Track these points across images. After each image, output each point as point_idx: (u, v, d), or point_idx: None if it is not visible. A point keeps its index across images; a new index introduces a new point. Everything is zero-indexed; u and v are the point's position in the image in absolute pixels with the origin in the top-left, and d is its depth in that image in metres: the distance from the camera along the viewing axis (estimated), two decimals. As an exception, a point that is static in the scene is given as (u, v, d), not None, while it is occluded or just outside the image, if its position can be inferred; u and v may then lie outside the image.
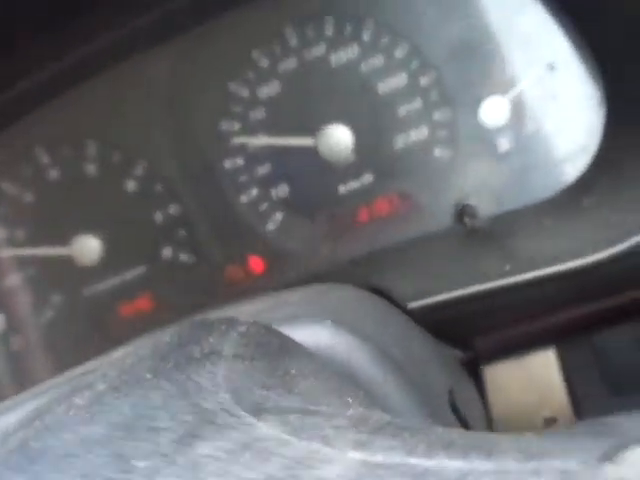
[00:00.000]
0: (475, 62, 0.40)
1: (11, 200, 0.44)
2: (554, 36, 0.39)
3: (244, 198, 0.43)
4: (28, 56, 0.40)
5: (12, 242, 0.45)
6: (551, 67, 0.39)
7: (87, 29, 0.40)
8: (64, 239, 0.44)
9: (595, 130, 0.39)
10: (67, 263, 0.44)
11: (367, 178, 0.42)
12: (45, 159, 0.43)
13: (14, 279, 0.45)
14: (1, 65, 0.39)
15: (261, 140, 0.42)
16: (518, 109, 0.40)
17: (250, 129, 0.42)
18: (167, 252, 0.44)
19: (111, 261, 0.44)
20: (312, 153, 0.42)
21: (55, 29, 0.39)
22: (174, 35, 0.42)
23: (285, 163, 0.43)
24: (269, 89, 0.42)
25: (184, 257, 0.44)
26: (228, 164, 0.43)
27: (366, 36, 0.40)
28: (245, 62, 0.42)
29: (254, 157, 0.43)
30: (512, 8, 0.39)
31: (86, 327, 0.45)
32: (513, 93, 0.40)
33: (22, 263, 0.45)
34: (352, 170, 0.42)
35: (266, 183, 0.43)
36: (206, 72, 0.42)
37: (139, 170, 0.43)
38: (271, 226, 0.43)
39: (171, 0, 0.40)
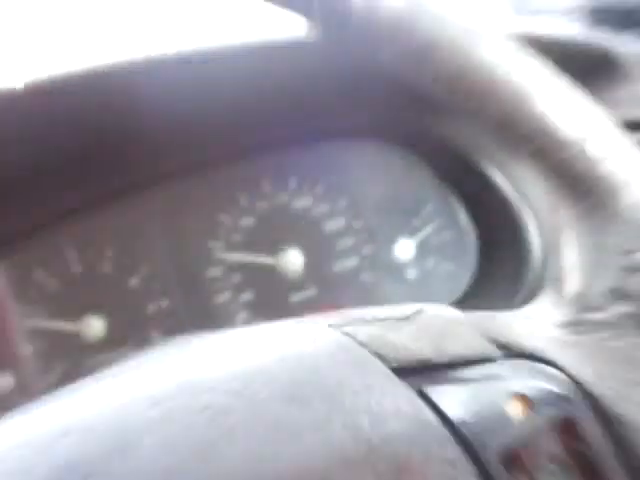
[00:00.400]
0: (393, 214, 0.57)
1: (38, 284, 0.57)
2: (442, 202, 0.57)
3: (219, 299, 0.58)
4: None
5: (32, 315, 0.57)
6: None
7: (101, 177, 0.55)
8: (76, 317, 0.57)
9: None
10: (75, 337, 0.57)
11: (312, 291, 0.57)
12: (73, 257, 0.57)
13: (28, 347, 0.57)
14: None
15: (236, 257, 0.58)
16: (422, 248, 0.57)
17: (229, 248, 0.58)
18: (156, 335, 0.57)
19: (112, 338, 0.57)
20: (272, 269, 0.57)
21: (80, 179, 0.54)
22: (169, 183, 0.58)
23: (252, 275, 0.58)
24: (247, 220, 0.58)
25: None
26: (210, 273, 0.58)
27: (319, 190, 0.57)
28: (230, 200, 0.58)
29: (229, 268, 0.58)
30: (418, 183, 0.57)
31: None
32: (419, 237, 0.57)
33: (37, 333, 0.57)
34: (301, 284, 0.57)
35: (236, 289, 0.58)
36: (199, 206, 0.58)
37: (142, 271, 0.57)
38: (237, 322, 0.58)
39: (164, 162, 0.56)
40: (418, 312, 0.22)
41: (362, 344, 0.20)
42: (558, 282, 0.24)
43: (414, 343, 0.21)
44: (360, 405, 0.18)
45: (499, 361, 0.21)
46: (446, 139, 0.54)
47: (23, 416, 0.19)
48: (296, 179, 0.58)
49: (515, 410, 0.19)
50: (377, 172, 0.58)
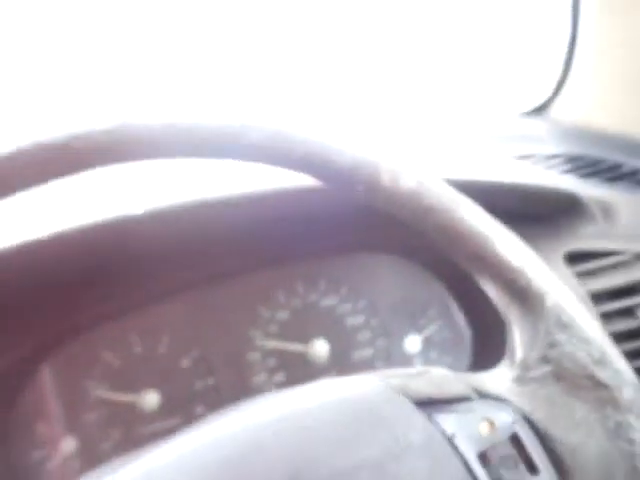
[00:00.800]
0: (404, 313, 0.70)
1: (105, 362, 0.68)
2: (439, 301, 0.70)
3: (256, 379, 0.69)
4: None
5: (97, 387, 0.68)
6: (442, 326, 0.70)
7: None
8: (134, 390, 0.67)
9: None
10: (132, 408, 0.67)
11: (334, 375, 0.69)
12: (135, 341, 0.68)
13: (91, 415, 0.67)
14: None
15: (272, 344, 0.69)
16: (427, 343, 0.69)
17: (266, 336, 0.69)
18: (200, 410, 0.68)
19: (164, 411, 0.67)
20: (302, 355, 0.69)
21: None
22: (219, 282, 0.70)
23: (285, 360, 0.69)
24: (282, 314, 0.70)
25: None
26: (249, 357, 0.69)
27: (343, 292, 0.70)
28: (269, 297, 0.70)
29: (266, 354, 0.69)
30: (424, 288, 0.70)
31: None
32: (424, 334, 0.70)
33: (100, 402, 0.67)
34: (326, 369, 0.69)
35: (271, 371, 0.69)
36: (242, 301, 0.70)
37: (192, 354, 0.69)
38: (269, 399, 0.68)
39: (214, 265, 0.68)
40: (427, 371, 0.37)
41: (394, 387, 0.34)
42: (511, 353, 0.37)
43: (425, 388, 0.35)
44: (394, 420, 0.32)
45: (475, 400, 0.35)
46: (446, 255, 0.67)
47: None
48: (324, 282, 0.70)
49: (484, 429, 0.33)
50: (390, 278, 0.70)
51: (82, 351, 0.67)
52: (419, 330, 0.70)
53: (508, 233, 0.35)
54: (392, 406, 0.34)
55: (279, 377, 0.69)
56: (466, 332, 0.70)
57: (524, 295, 0.35)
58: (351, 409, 0.34)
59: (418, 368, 0.38)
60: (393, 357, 0.69)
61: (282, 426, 0.34)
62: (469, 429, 0.33)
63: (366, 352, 0.69)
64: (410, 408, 0.33)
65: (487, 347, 0.70)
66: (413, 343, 0.69)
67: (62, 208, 0.60)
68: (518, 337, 0.38)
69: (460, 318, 0.70)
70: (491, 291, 0.38)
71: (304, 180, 0.36)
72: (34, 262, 0.61)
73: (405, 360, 0.69)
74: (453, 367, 0.68)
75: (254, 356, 0.69)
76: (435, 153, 0.77)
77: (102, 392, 0.67)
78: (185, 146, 0.32)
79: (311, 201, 0.61)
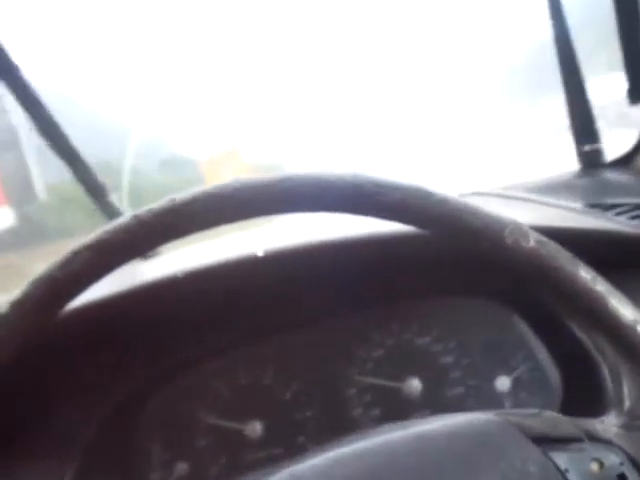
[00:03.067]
0: (494, 354, 0.73)
1: (214, 391, 0.74)
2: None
3: (353, 413, 0.73)
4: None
5: (206, 415, 0.74)
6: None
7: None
8: (241, 419, 0.73)
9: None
10: (239, 436, 0.73)
11: (427, 412, 0.72)
12: (244, 374, 0.74)
13: (202, 441, 0.73)
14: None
15: (368, 380, 0.74)
16: (516, 384, 0.73)
17: (363, 373, 0.74)
18: (301, 440, 0.73)
19: (267, 440, 0.73)
20: (397, 392, 0.73)
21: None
22: (319, 323, 0.75)
23: (380, 395, 0.74)
24: (378, 352, 0.74)
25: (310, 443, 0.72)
26: (347, 392, 0.74)
27: (435, 333, 0.74)
28: (365, 336, 0.75)
29: (362, 389, 0.74)
30: (514, 331, 0.73)
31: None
32: (514, 375, 0.73)
33: (210, 429, 0.73)
34: (419, 405, 0.73)
35: (367, 406, 0.73)
36: (341, 340, 0.75)
37: (294, 387, 0.74)
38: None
39: (314, 309, 0.74)
40: (541, 412, 0.42)
41: (512, 424, 0.40)
42: (619, 402, 0.42)
43: (539, 426, 0.40)
44: (513, 453, 0.37)
45: (586, 442, 0.39)
46: (538, 301, 0.71)
47: None
48: (417, 323, 0.75)
49: (594, 467, 0.37)
50: (480, 320, 0.74)
51: (194, 381, 0.73)
52: (509, 371, 0.73)
53: (618, 291, 0.39)
54: (511, 440, 0.38)
55: (374, 412, 0.73)
56: (554, 374, 0.72)
57: (634, 350, 0.38)
58: (475, 440, 0.39)
59: (533, 409, 0.43)
60: (484, 396, 0.72)
61: (415, 451, 0.39)
62: (581, 466, 0.37)
63: (457, 390, 0.73)
64: (527, 443, 0.38)
65: (574, 389, 0.72)
66: (503, 383, 0.72)
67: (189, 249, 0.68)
68: (626, 388, 0.44)
69: (548, 361, 0.72)
70: (601, 344, 0.42)
71: (398, 227, 0.41)
72: (158, 301, 0.68)
73: (496, 399, 0.72)
74: (543, 408, 0.71)
75: (351, 391, 0.74)
76: (526, 206, 0.81)
77: (211, 420, 0.73)
78: (337, 201, 0.38)
79: (406, 246, 0.66)
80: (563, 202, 0.82)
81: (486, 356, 0.73)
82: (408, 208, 0.37)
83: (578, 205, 0.80)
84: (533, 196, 0.89)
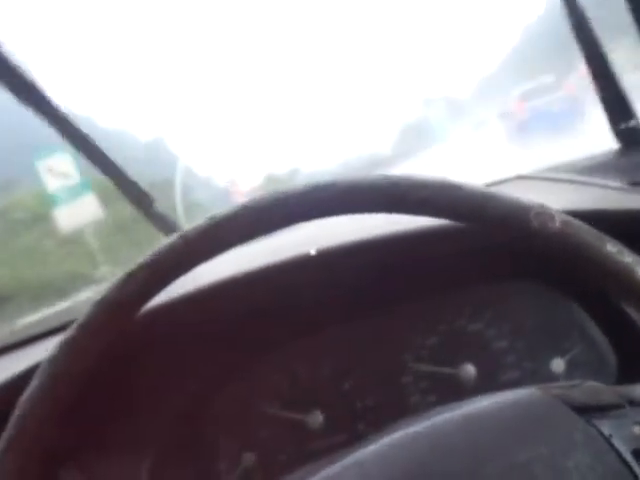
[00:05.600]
0: (547, 337, 0.75)
1: (277, 386, 0.77)
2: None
3: (410, 400, 0.76)
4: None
5: (269, 406, 0.77)
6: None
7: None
8: (305, 411, 0.76)
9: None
10: (302, 426, 0.75)
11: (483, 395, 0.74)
12: (304, 366, 0.77)
13: (266, 431, 0.76)
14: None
15: (423, 367, 0.76)
16: (570, 365, 0.74)
17: (418, 360, 0.76)
18: (361, 427, 0.75)
19: (328, 428, 0.75)
20: (451, 378, 0.75)
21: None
22: (379, 314, 0.78)
23: (435, 382, 0.76)
24: (432, 340, 0.76)
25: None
26: (403, 379, 0.76)
27: (488, 317, 0.76)
28: (420, 324, 0.77)
29: (418, 376, 0.76)
30: (567, 313, 0.74)
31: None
32: (568, 356, 0.74)
33: (273, 420, 0.76)
34: (474, 390, 0.74)
35: (423, 392, 0.76)
36: (398, 328, 0.77)
37: (353, 377, 0.76)
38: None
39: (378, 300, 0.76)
40: (582, 382, 0.44)
41: (555, 396, 0.42)
42: None
43: (581, 397, 0.42)
44: (558, 423, 0.39)
45: (627, 407, 0.40)
46: (587, 280, 0.72)
47: None
48: (470, 309, 0.76)
49: (637, 430, 0.38)
50: (533, 304, 0.75)
51: (257, 376, 0.76)
52: (563, 353, 0.74)
53: None
54: (555, 412, 0.40)
55: (431, 398, 0.75)
56: (609, 354, 0.73)
57: None
58: (521, 414, 0.41)
59: (574, 381, 0.44)
60: (539, 379, 0.74)
61: (466, 428, 0.41)
62: (623, 431, 0.38)
63: (513, 374, 0.74)
64: (570, 413, 0.40)
65: (631, 367, 0.73)
66: (558, 365, 0.74)
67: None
68: None
69: (603, 340, 0.73)
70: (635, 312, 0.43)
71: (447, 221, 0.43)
72: (220, 302, 0.71)
73: (552, 381, 0.73)
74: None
75: (407, 379, 0.76)
76: (569, 187, 0.82)
77: (275, 411, 0.76)
78: (374, 202, 0.40)
79: (457, 237, 0.68)
80: (605, 181, 0.82)
81: (539, 339, 0.75)
82: (437, 202, 0.40)
83: (620, 184, 0.80)
84: (575, 177, 0.90)
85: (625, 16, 0.88)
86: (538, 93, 13.30)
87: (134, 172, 0.90)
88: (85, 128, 0.86)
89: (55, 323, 0.80)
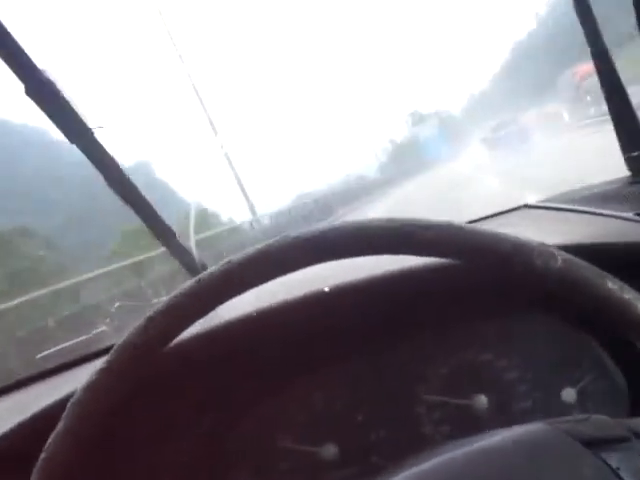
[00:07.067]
0: (558, 367, 0.75)
1: (290, 415, 0.78)
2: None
3: (423, 430, 0.76)
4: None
5: (282, 439, 0.77)
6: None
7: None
8: (319, 443, 0.77)
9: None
10: (314, 457, 0.76)
11: (495, 425, 0.75)
12: (319, 399, 0.78)
13: (281, 464, 0.77)
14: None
15: (436, 398, 0.77)
16: (582, 395, 0.74)
17: (430, 391, 0.77)
18: (375, 459, 0.76)
19: (343, 460, 0.76)
20: (464, 409, 0.76)
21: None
22: (392, 348, 0.79)
23: (449, 412, 0.76)
24: (443, 370, 0.77)
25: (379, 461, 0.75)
26: (416, 410, 0.77)
27: (499, 349, 0.77)
28: (431, 356, 0.78)
29: (431, 407, 0.77)
30: (578, 344, 0.75)
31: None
32: (579, 386, 0.74)
33: (287, 452, 0.77)
34: (487, 421, 0.75)
35: (436, 423, 0.76)
36: (408, 361, 0.78)
37: (365, 408, 0.77)
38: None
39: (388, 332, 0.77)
40: (589, 416, 0.45)
41: (562, 431, 0.42)
42: None
43: (588, 430, 0.43)
44: (567, 457, 0.40)
45: (634, 440, 0.41)
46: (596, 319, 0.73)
47: None
48: (482, 340, 0.77)
49: None
50: (546, 335, 0.76)
51: (272, 408, 0.78)
52: (574, 383, 0.75)
53: None
54: (564, 446, 0.42)
55: (444, 429, 0.76)
56: (621, 384, 0.74)
57: None
58: (531, 450, 0.42)
59: (581, 415, 0.45)
60: (551, 408, 0.74)
61: (476, 465, 0.43)
62: (631, 463, 0.39)
63: (525, 404, 0.75)
64: (579, 447, 0.41)
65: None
66: (569, 395, 0.74)
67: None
68: None
69: (615, 370, 0.74)
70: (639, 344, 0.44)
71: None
72: (240, 337, 0.73)
73: (563, 411, 0.74)
74: (612, 415, 0.72)
75: (420, 410, 0.77)
76: (576, 217, 0.83)
77: (290, 444, 0.77)
78: (381, 245, 0.42)
79: (467, 272, 0.69)
80: (613, 212, 0.84)
81: (551, 369, 0.75)
82: (442, 244, 0.41)
83: (628, 214, 0.81)
84: (583, 207, 0.91)
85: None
86: (503, 125, 26.37)
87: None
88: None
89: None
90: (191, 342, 0.66)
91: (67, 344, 1.08)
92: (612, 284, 0.41)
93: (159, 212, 0.92)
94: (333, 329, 0.73)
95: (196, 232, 0.99)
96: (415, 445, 0.76)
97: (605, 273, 0.42)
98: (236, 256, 0.42)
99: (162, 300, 0.41)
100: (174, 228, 0.94)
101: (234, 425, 0.76)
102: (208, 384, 0.72)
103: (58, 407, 0.39)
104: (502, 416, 0.75)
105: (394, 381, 0.78)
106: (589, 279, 0.42)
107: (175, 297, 0.40)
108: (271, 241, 0.42)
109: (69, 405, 0.38)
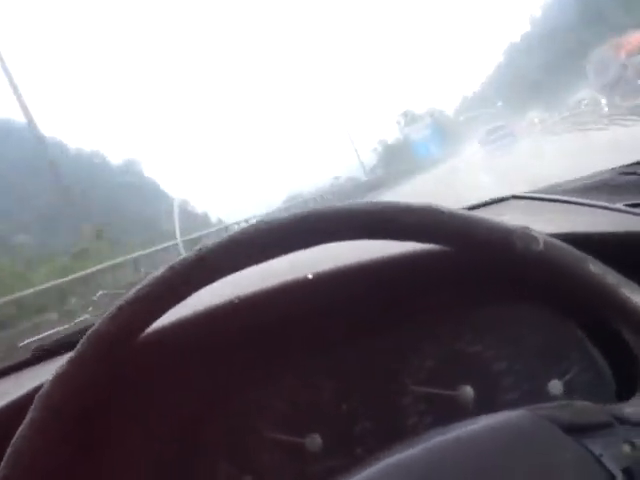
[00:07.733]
0: (545, 359, 0.74)
1: (273, 407, 0.77)
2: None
3: (408, 422, 0.75)
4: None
5: (271, 430, 0.76)
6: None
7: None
8: (303, 434, 0.75)
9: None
10: (300, 449, 0.75)
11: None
12: (302, 390, 0.77)
13: (266, 455, 0.76)
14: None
15: (421, 389, 0.76)
16: (568, 387, 0.74)
17: (416, 382, 0.76)
18: (360, 451, 0.75)
19: (327, 452, 0.75)
20: (449, 400, 0.75)
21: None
22: (378, 336, 0.78)
23: (433, 404, 0.75)
24: (430, 362, 0.76)
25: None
26: (402, 401, 0.76)
27: (487, 340, 0.76)
28: (417, 346, 0.77)
29: (416, 398, 0.76)
30: (565, 335, 0.74)
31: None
32: (565, 378, 0.74)
33: (272, 444, 0.76)
34: (472, 412, 0.74)
35: (421, 414, 0.75)
36: (395, 351, 0.77)
37: (351, 400, 0.76)
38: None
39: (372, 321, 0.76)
40: (570, 402, 0.45)
41: (543, 417, 0.42)
42: None
43: (570, 417, 0.42)
44: (547, 444, 0.39)
45: (617, 426, 0.40)
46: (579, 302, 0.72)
47: None
48: (469, 331, 0.76)
49: (626, 449, 0.38)
50: (533, 326, 0.75)
51: (255, 400, 0.76)
52: (561, 375, 0.74)
53: (628, 280, 0.41)
54: (545, 432, 0.41)
55: (429, 420, 0.75)
56: (608, 375, 0.73)
57: None
58: (511, 436, 0.41)
59: (563, 401, 0.45)
60: (537, 400, 0.73)
61: (456, 452, 0.42)
62: (613, 450, 0.38)
63: (511, 396, 0.74)
64: (560, 434, 0.40)
65: (629, 389, 0.73)
66: (555, 387, 0.73)
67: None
68: None
69: (601, 362, 0.73)
70: (623, 331, 0.44)
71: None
72: (221, 326, 0.72)
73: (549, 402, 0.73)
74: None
75: (405, 401, 0.76)
76: (566, 208, 0.82)
77: (273, 435, 0.76)
78: (361, 229, 0.41)
79: (454, 260, 0.68)
80: (603, 202, 0.83)
81: (537, 360, 0.75)
82: (423, 228, 0.40)
83: (617, 205, 0.80)
84: (572, 197, 0.90)
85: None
86: (494, 130, 33.74)
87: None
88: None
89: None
90: (169, 331, 0.65)
91: (50, 332, 1.07)
92: (595, 268, 0.40)
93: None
94: (317, 318, 0.72)
95: (187, 233, 0.98)
96: (400, 437, 0.75)
97: (588, 256, 0.41)
98: (208, 244, 0.41)
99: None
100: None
101: (215, 416, 0.75)
102: (187, 374, 0.70)
103: (26, 400, 0.38)
104: (488, 407, 0.74)
105: (380, 372, 0.77)
106: (571, 263, 0.41)
107: (146, 285, 0.39)
108: (247, 226, 0.40)
109: (37, 397, 0.37)
